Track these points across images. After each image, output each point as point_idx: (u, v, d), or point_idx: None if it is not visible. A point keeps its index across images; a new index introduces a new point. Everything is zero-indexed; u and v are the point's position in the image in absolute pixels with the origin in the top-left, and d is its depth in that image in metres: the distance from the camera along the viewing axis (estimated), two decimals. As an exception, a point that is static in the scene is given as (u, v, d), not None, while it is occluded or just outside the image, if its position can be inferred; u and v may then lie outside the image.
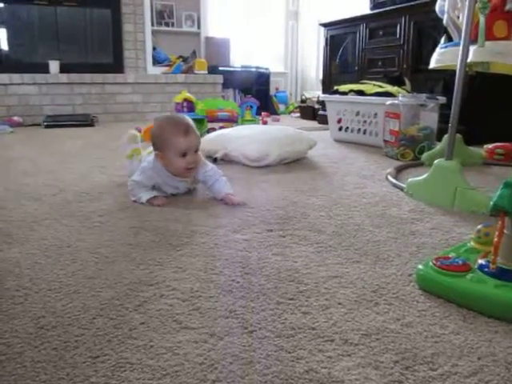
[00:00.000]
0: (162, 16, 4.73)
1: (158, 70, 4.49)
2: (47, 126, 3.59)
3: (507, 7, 1.49)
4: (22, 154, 2.31)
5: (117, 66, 4.38)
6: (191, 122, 1.39)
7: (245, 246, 1.02)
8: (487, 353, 0.64)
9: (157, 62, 4.61)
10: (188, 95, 3.00)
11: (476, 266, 0.82)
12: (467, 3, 1.35)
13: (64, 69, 4.01)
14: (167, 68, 4.51)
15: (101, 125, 3.84)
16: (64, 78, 3.95)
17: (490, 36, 1.49)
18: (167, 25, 4.74)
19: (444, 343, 0.66)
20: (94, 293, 0.79)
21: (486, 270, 0.80)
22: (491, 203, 0.75)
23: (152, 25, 4.55)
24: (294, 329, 0.68)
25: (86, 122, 3.70)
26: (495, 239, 0.77)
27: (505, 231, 0.79)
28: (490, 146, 2.12)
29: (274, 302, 0.76)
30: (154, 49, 4.59)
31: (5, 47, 4.05)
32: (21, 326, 0.68)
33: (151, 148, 1.48)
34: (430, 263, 0.83)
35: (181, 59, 4.57)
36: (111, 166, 1.98)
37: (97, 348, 0.63)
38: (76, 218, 1.22)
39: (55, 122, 3.64)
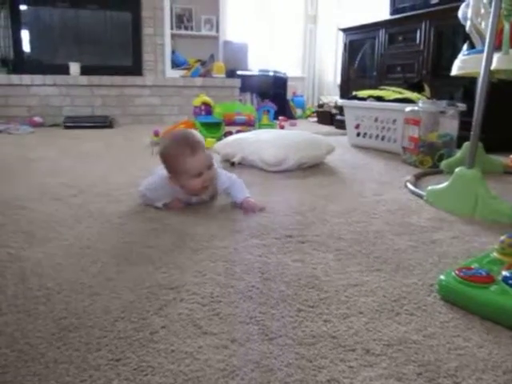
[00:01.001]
0: (182, 20, 4.76)
1: (176, 74, 4.52)
2: (67, 127, 3.64)
3: (532, 14, 1.46)
4: (43, 154, 2.35)
5: (136, 69, 4.42)
6: (197, 138, 1.33)
7: (264, 251, 1.01)
8: (512, 367, 0.63)
9: (175, 65, 4.64)
10: (206, 98, 3.02)
11: (500, 278, 0.81)
12: (492, 10, 1.33)
13: (84, 71, 4.06)
14: (186, 71, 4.54)
15: (119, 127, 3.88)
16: (84, 80, 4.01)
17: (514, 43, 1.47)
18: (186, 28, 4.78)
19: (468, 356, 0.65)
20: (114, 295, 0.79)
21: (511, 281, 0.78)
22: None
23: (171, 28, 4.59)
24: (315, 337, 0.68)
25: (105, 123, 3.74)
26: (521, 251, 0.76)
27: (530, 243, 0.77)
28: None
29: (295, 309, 0.75)
30: (172, 52, 4.63)
31: (27, 49, 4.12)
32: (44, 327, 0.69)
33: None
34: (453, 273, 0.82)
35: (199, 63, 4.60)
36: (130, 167, 2.00)
37: (118, 351, 0.63)
38: (96, 219, 1.24)
39: (75, 123, 3.69)
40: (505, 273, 0.81)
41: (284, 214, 1.30)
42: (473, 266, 0.85)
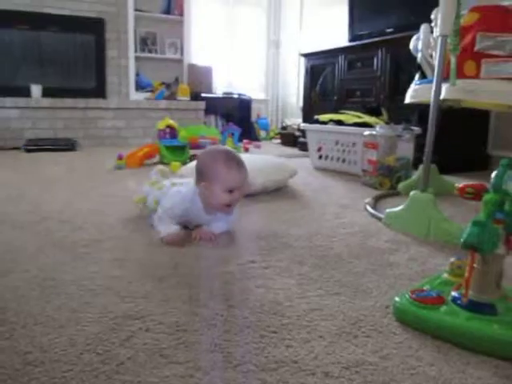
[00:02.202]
0: (146, 43, 4.80)
1: (140, 96, 4.53)
2: (28, 150, 3.57)
3: (476, 48, 1.58)
4: (2, 179, 2.30)
5: (99, 91, 4.40)
6: (242, 160, 1.35)
7: (228, 277, 1.04)
8: (460, 384, 0.67)
9: (140, 87, 4.66)
10: (171, 122, 3.04)
11: (449, 298, 0.86)
12: (438, 45, 1.43)
13: (46, 93, 4.02)
14: (150, 94, 4.56)
15: (82, 149, 3.84)
16: (46, 102, 3.96)
17: (460, 75, 1.58)
18: (150, 51, 4.81)
19: (420, 375, 0.69)
20: (80, 327, 0.80)
21: (459, 302, 0.84)
22: (461, 240, 0.79)
23: (135, 51, 4.61)
24: (277, 362, 0.71)
25: (68, 146, 3.70)
26: (466, 274, 0.82)
27: (475, 265, 0.83)
28: (461, 185, 2.16)
29: (258, 336, 0.78)
30: (137, 74, 4.65)
31: (-14, 71, 4.05)
32: (8, 362, 0.69)
33: (175, 179, 1.50)
34: (406, 295, 0.87)
35: (164, 85, 4.63)
36: (93, 193, 1.99)
37: (84, 384, 0.64)
38: (59, 248, 1.23)
39: (36, 145, 3.63)
40: (454, 293, 0.87)
41: (248, 240, 1.34)
42: (425, 288, 0.91)
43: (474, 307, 0.82)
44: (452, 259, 0.97)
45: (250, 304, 0.90)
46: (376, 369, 0.70)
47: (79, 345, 0.74)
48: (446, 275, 0.97)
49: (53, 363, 0.69)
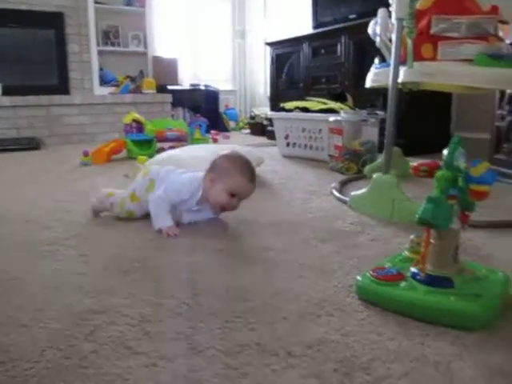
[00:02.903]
0: (108, 36, 4.70)
1: (105, 91, 4.44)
2: (-11, 151, 3.46)
3: (432, 31, 1.61)
4: (-36, 182, 2.23)
5: (62, 88, 4.29)
6: (255, 171, 1.40)
7: (195, 267, 1.05)
8: (418, 355, 0.70)
9: (104, 82, 4.57)
10: (137, 116, 3.00)
11: (409, 274, 0.89)
12: (395, 29, 1.46)
13: (7, 91, 3.90)
14: (115, 88, 4.48)
15: (48, 148, 3.75)
16: (7, 100, 3.84)
17: (418, 57, 1.60)
18: (113, 45, 4.72)
19: (380, 349, 0.71)
20: (42, 325, 0.79)
21: (418, 277, 0.87)
22: (416, 217, 0.81)
23: (98, 45, 4.51)
24: (241, 346, 0.72)
25: (32, 145, 3.60)
26: (422, 249, 0.84)
27: (432, 241, 0.86)
28: (416, 163, 2.21)
29: (223, 321, 0.79)
30: (100, 69, 4.55)
31: None
32: (-33, 364, 0.68)
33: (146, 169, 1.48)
34: (368, 274, 0.90)
35: (128, 79, 4.55)
36: (59, 191, 1.95)
37: (46, 380, 0.64)
38: (24, 248, 1.21)
39: (-2, 146, 3.52)
40: (413, 269, 0.89)
41: (215, 230, 1.34)
42: (386, 266, 0.93)
43: (432, 281, 0.84)
44: (412, 236, 1.00)
45: (216, 291, 0.91)
46: (338, 346, 0.72)
47: (41, 342, 0.73)
48: (406, 252, 1.00)
49: (13, 362, 0.68)
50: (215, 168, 1.37)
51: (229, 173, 1.33)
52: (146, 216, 1.40)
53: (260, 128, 4.38)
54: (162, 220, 1.31)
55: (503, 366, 0.67)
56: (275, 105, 3.92)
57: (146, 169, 1.51)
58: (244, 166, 1.35)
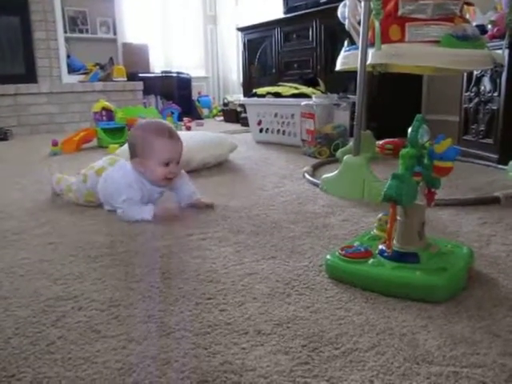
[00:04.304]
0: (76, 23, 4.57)
1: (74, 79, 4.33)
2: (-46, 143, 3.35)
3: (399, 13, 1.62)
4: None
5: (29, 76, 4.16)
6: (174, 129, 1.31)
7: (165, 251, 1.04)
8: (385, 328, 0.71)
9: (72, 70, 4.45)
10: (106, 104, 2.94)
11: (377, 252, 0.90)
12: (362, 10, 1.46)
13: (-30, 81, 3.77)
14: (84, 76, 4.37)
15: (16, 138, 3.64)
16: (-30, 90, 3.71)
17: (386, 39, 1.61)
18: (81, 31, 4.59)
19: (347, 324, 0.73)
20: (8, 313, 0.77)
21: (385, 254, 0.88)
22: (382, 193, 0.83)
23: (65, 32, 4.38)
24: (211, 326, 0.72)
25: (-1, 136, 3.50)
26: (388, 226, 0.85)
27: (398, 218, 0.87)
28: (381, 142, 2.23)
29: (193, 303, 0.79)
30: (68, 56, 4.43)
31: None
32: None
33: (100, 164, 1.42)
34: (337, 253, 0.91)
35: (98, 67, 4.45)
36: (25, 181, 1.91)
37: (13, 367, 0.63)
38: (-12, 239, 1.18)
39: (-37, 138, 3.41)
40: (380, 246, 0.91)
41: (187, 214, 1.33)
42: (355, 244, 0.95)
43: (399, 257, 0.86)
44: (380, 215, 1.01)
45: (186, 275, 0.91)
46: (307, 322, 0.73)
47: (7, 330, 0.72)
48: (375, 231, 1.01)
49: (-22, 350, 0.66)
50: (134, 149, 1.29)
51: (148, 145, 1.25)
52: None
53: (234, 115, 4.36)
54: (141, 211, 1.27)
55: (466, 334, 0.69)
56: (248, 91, 3.90)
57: (112, 159, 1.45)
58: (157, 130, 1.28)
